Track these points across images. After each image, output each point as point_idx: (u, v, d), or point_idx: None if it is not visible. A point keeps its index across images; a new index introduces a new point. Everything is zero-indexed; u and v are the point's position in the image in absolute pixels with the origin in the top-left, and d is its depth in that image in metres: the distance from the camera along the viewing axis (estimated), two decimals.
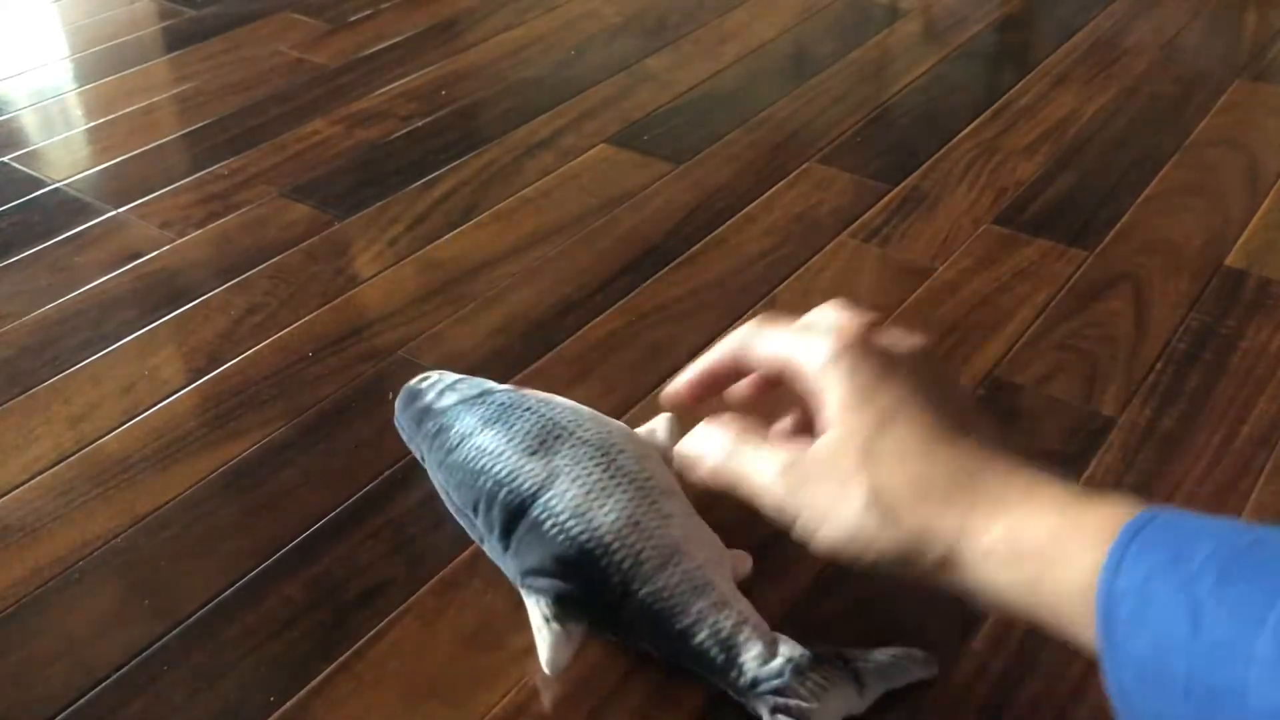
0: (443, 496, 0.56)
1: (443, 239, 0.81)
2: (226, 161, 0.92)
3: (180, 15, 1.19)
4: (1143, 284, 0.75)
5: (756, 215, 0.83)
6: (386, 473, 0.61)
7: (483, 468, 0.52)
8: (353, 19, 1.17)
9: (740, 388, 0.50)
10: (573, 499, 0.50)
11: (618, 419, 0.57)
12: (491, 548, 0.53)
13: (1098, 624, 0.35)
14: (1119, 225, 0.82)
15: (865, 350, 0.43)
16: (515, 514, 0.51)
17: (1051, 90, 1.00)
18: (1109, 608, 0.35)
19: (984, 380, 0.67)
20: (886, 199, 0.85)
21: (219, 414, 0.66)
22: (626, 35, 1.12)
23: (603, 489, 0.50)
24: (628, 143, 0.93)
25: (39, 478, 0.62)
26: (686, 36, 1.12)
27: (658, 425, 0.57)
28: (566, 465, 0.51)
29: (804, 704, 0.46)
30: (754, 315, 0.73)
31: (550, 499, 0.50)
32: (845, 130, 0.95)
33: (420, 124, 0.97)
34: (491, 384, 0.59)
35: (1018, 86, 1.01)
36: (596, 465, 0.51)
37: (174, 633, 0.53)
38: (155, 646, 0.52)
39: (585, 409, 0.56)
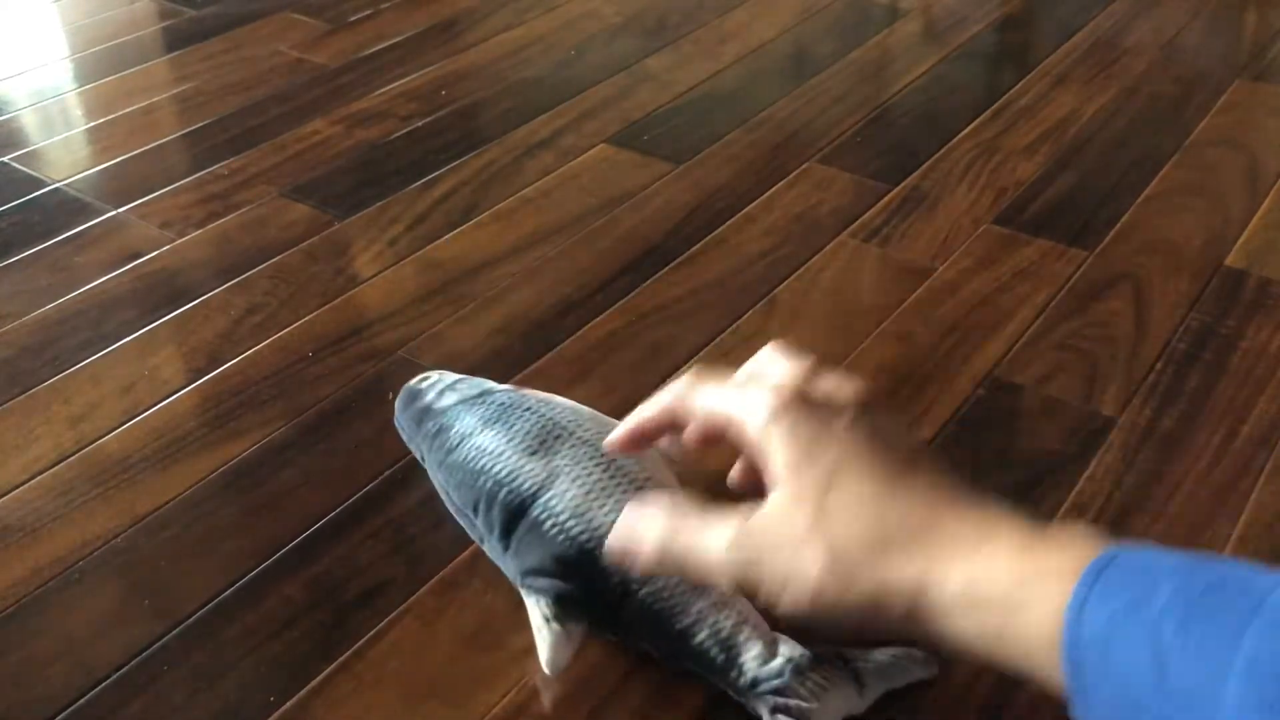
0: (443, 496, 0.56)
1: (443, 239, 0.81)
2: (226, 161, 0.92)
3: (180, 15, 1.19)
4: (1143, 284, 0.75)
5: (756, 215, 0.83)
6: (386, 473, 0.61)
7: (483, 468, 0.52)
8: (353, 19, 1.17)
9: (687, 439, 0.48)
10: (573, 499, 0.50)
11: (618, 419, 0.57)
12: (491, 548, 0.53)
13: (1065, 672, 0.35)
14: (1119, 225, 0.82)
15: (804, 406, 0.43)
16: (515, 514, 0.51)
17: (1051, 90, 1.00)
18: (1075, 656, 0.34)
19: (984, 380, 0.67)
20: (886, 199, 0.85)
21: (219, 414, 0.66)
22: (626, 35, 1.12)
23: (603, 489, 0.50)
24: (628, 143, 0.93)
25: (39, 478, 0.62)
26: (686, 36, 1.12)
27: None
28: (566, 465, 0.51)
29: (804, 704, 0.46)
30: (754, 315, 0.73)
31: (550, 499, 0.50)
32: (845, 130, 0.95)
33: (420, 124, 0.97)
34: (491, 384, 0.59)
35: (1018, 86, 1.01)
36: (596, 465, 0.51)
37: (174, 633, 0.53)
38: (155, 646, 0.52)
39: (585, 409, 0.56)
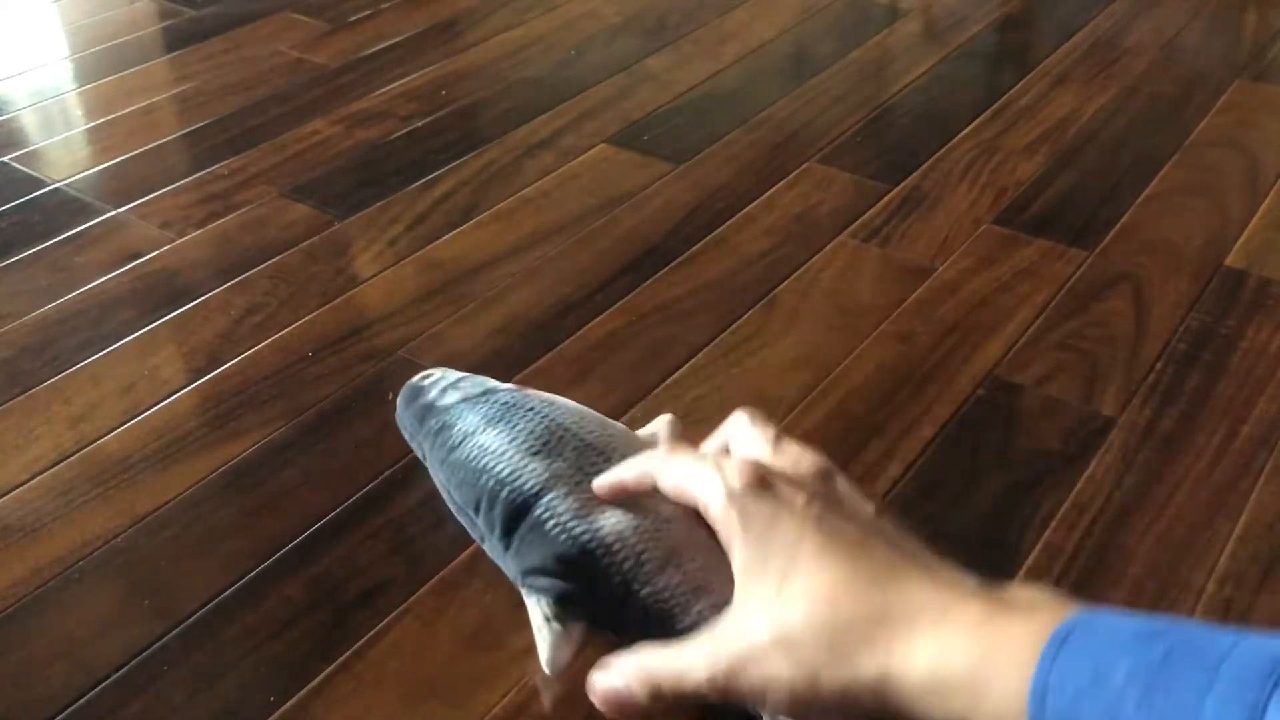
0: (443, 495, 0.56)
1: (443, 239, 0.81)
2: (226, 161, 0.92)
3: (180, 15, 1.19)
4: (1143, 284, 0.75)
5: (756, 215, 0.83)
6: (386, 473, 0.61)
7: (485, 466, 0.52)
8: (353, 19, 1.17)
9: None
10: (575, 500, 0.50)
11: (618, 419, 0.57)
12: (492, 547, 0.53)
13: None
14: (1119, 225, 0.82)
15: (758, 491, 0.45)
16: (517, 513, 0.51)
17: (1051, 90, 1.00)
18: None
19: (984, 380, 0.67)
20: (886, 199, 0.85)
21: (219, 414, 0.66)
22: (626, 35, 1.12)
23: None
24: (628, 143, 0.93)
25: (39, 478, 0.62)
26: (686, 36, 1.12)
27: (659, 427, 0.57)
28: (569, 468, 0.51)
29: None
30: (754, 315, 0.73)
31: (553, 499, 0.50)
32: (845, 130, 0.95)
33: (420, 124, 0.97)
34: (494, 383, 0.59)
35: (1018, 86, 1.01)
36: (598, 470, 0.51)
37: (174, 633, 0.53)
38: (155, 646, 0.52)
39: (588, 411, 0.56)
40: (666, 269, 0.77)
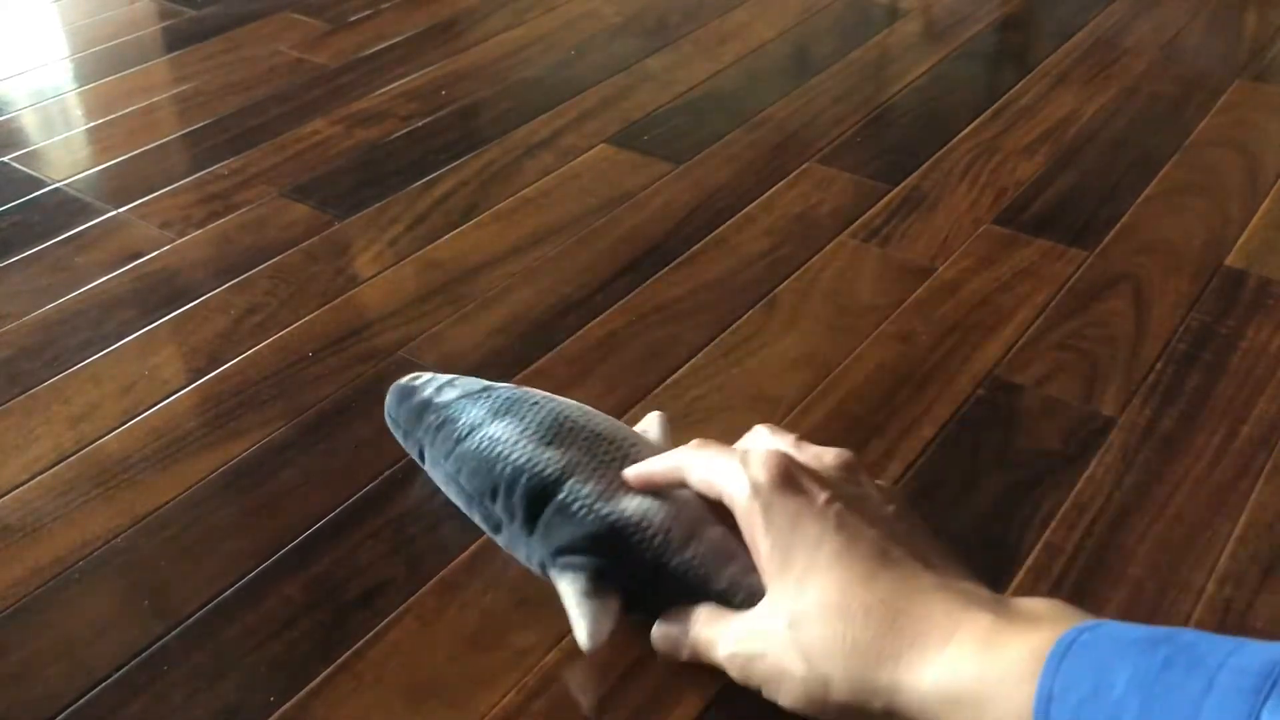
0: (445, 488, 0.57)
1: (443, 239, 0.81)
2: (226, 161, 0.92)
3: (180, 15, 1.19)
4: (1143, 284, 0.75)
5: (756, 215, 0.83)
6: (386, 473, 0.61)
7: (499, 455, 0.53)
8: (353, 19, 1.17)
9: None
10: (598, 485, 0.51)
11: (618, 419, 0.57)
12: (511, 534, 0.53)
13: None
14: (1119, 225, 0.82)
15: (783, 488, 0.46)
16: (540, 498, 0.51)
17: (1051, 90, 1.00)
18: None
19: (984, 380, 0.67)
20: (886, 199, 0.85)
21: (219, 414, 0.66)
22: (626, 35, 1.12)
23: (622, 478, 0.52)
24: (628, 143, 0.93)
25: (39, 478, 0.62)
26: (686, 36, 1.12)
27: (650, 425, 0.58)
28: (584, 455, 0.52)
29: None
30: (754, 315, 0.73)
31: (575, 484, 0.51)
32: (845, 130, 0.95)
33: (420, 124, 0.97)
34: (488, 381, 0.59)
35: (1018, 86, 1.01)
36: (612, 458, 0.52)
37: (174, 633, 0.53)
38: (155, 646, 0.52)
39: (589, 408, 0.56)
40: (666, 269, 0.77)
